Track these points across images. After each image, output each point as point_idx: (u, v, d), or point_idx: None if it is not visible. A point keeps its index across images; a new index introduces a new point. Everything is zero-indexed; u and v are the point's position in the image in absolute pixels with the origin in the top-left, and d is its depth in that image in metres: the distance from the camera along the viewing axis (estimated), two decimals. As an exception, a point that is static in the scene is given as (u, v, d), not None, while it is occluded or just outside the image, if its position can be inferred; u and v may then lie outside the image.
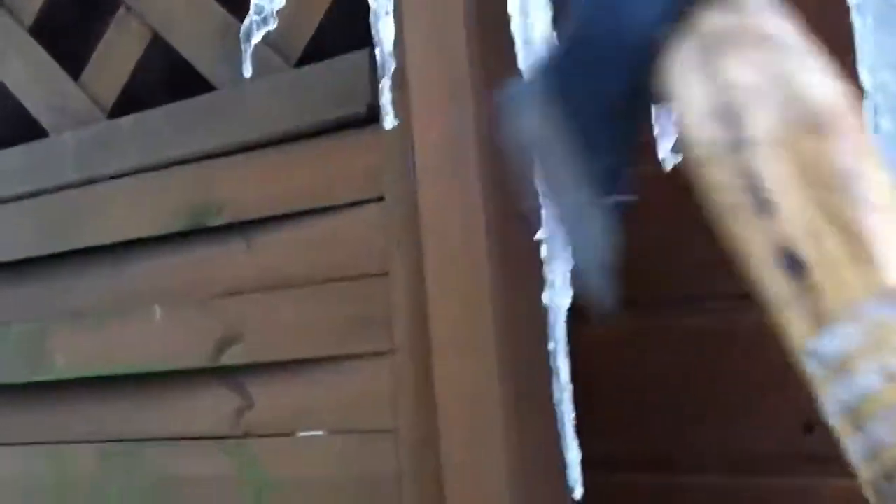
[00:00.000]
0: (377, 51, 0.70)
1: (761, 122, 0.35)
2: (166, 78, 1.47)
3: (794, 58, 0.36)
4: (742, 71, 0.36)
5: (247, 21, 0.76)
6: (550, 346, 0.58)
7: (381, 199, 1.15)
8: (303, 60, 1.25)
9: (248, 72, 0.75)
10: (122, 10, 1.45)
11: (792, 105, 0.35)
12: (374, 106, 1.16)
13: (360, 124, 1.18)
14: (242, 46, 0.74)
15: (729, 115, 0.36)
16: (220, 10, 1.33)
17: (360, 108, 1.17)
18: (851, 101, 0.37)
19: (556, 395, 0.58)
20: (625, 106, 0.42)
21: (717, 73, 0.37)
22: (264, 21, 0.76)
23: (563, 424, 0.57)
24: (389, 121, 0.70)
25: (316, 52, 1.25)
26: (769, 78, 0.35)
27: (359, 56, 1.16)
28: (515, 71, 1.04)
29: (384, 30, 0.67)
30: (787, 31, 0.37)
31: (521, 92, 0.46)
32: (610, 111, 0.43)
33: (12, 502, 1.44)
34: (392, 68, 0.67)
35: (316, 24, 1.21)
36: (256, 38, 0.76)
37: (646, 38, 0.40)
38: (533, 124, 0.44)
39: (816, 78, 0.36)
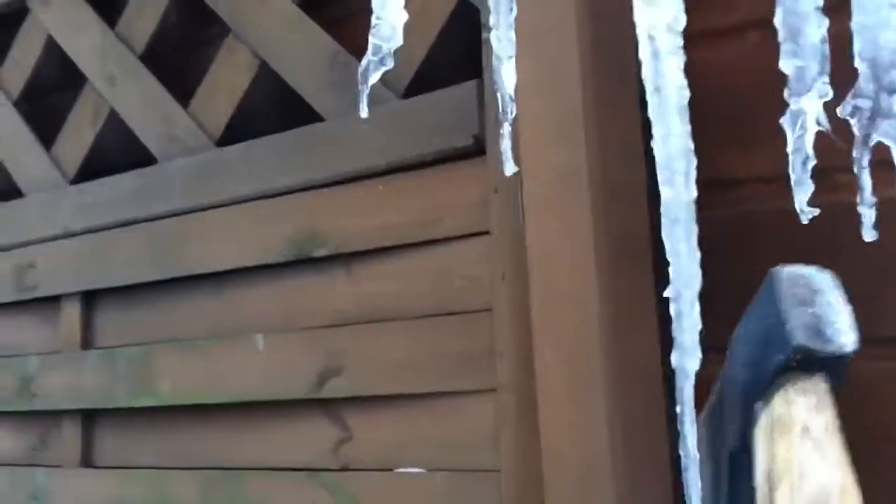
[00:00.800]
0: (498, 96, 0.69)
1: (784, 490, 0.51)
2: (274, 106, 1.48)
3: (816, 448, 0.52)
4: (782, 450, 0.52)
5: (364, 61, 0.75)
6: (677, 409, 0.56)
7: (486, 233, 1.13)
8: (410, 90, 1.24)
9: (364, 112, 0.74)
10: (230, 38, 1.47)
11: (801, 482, 0.50)
12: (481, 138, 1.15)
13: (466, 156, 1.17)
14: (360, 87, 0.73)
15: (771, 480, 0.52)
16: (328, 39, 1.34)
17: (467, 140, 1.16)
18: (847, 487, 0.52)
19: (683, 461, 0.55)
20: (740, 452, 0.58)
21: (771, 448, 0.53)
22: (382, 62, 0.75)
23: (690, 495, 0.55)
24: (510, 167, 0.68)
25: (423, 80, 1.24)
26: (796, 461, 0.51)
27: (466, 87, 1.15)
28: (635, 112, 1.02)
29: (506, 74, 0.65)
30: (819, 425, 0.53)
31: (700, 421, 0.62)
32: (730, 455, 0.59)
33: (114, 523, 1.45)
34: (513, 114, 0.65)
35: (423, 55, 1.21)
36: (374, 78, 0.75)
37: (750, 409, 0.57)
38: (698, 447, 0.59)
39: (824, 468, 0.51)
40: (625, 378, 0.96)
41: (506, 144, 0.69)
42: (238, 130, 1.45)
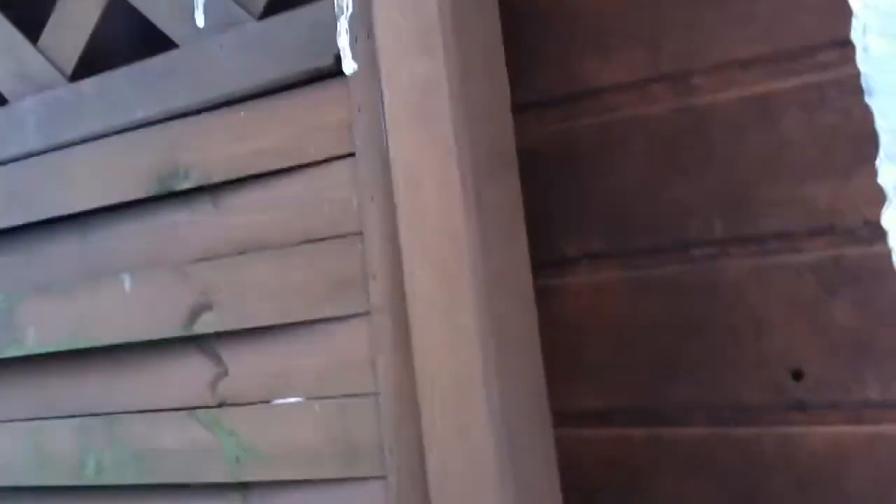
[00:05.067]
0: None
1: None
2: (129, 37, 1.42)
3: None
4: None
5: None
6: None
7: (351, 154, 1.10)
8: (268, 11, 1.19)
9: (200, 21, 0.70)
10: (78, -32, 1.39)
11: None
12: (340, 56, 1.11)
13: (328, 77, 1.13)
14: (193, -7, 0.69)
15: None
16: (180, -36, 1.27)
17: (327, 61, 1.12)
18: None
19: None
20: None
21: None
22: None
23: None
24: (348, 65, 0.65)
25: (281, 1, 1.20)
26: None
27: (324, 5, 1.11)
28: (496, 19, 1.00)
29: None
30: None
31: None
32: None
33: (-10, 480, 1.40)
34: (350, 10, 0.62)
35: (277, -27, 1.16)
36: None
37: None
38: None
39: None
40: (495, 292, 0.96)
41: (343, 40, 0.66)
42: (93, 65, 1.38)
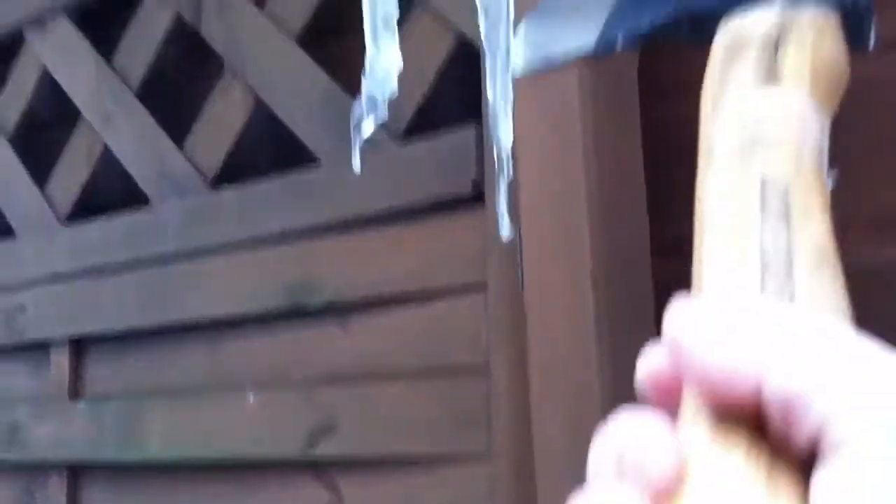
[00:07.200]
0: (493, 151, 0.63)
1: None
2: (270, 146, 1.43)
3: None
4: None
5: (357, 112, 0.69)
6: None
7: (483, 286, 1.07)
8: (408, 132, 1.19)
9: (357, 166, 0.69)
10: (227, 77, 1.41)
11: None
12: (479, 185, 1.09)
13: (465, 204, 1.11)
14: (352, 137, 0.68)
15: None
16: (326, 79, 1.28)
17: (465, 188, 1.10)
18: None
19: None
20: None
21: None
22: (375, 112, 0.70)
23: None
24: (506, 227, 0.62)
25: (423, 122, 1.19)
26: None
27: (464, 132, 1.09)
28: (639, 169, 0.96)
29: (504, 133, 0.60)
30: None
31: None
32: None
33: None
34: (510, 175, 0.60)
35: (420, 100, 1.15)
36: (367, 129, 0.69)
37: None
38: None
39: None
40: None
41: (502, 206, 0.63)
42: (233, 169, 1.40)
